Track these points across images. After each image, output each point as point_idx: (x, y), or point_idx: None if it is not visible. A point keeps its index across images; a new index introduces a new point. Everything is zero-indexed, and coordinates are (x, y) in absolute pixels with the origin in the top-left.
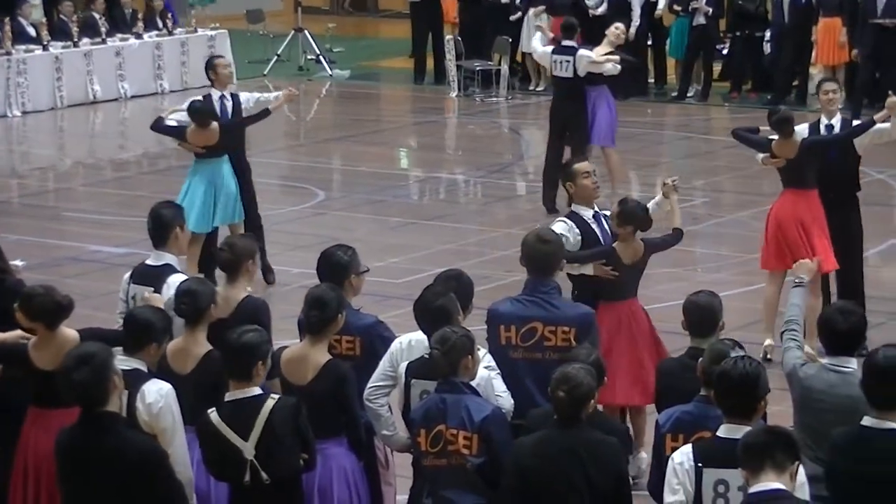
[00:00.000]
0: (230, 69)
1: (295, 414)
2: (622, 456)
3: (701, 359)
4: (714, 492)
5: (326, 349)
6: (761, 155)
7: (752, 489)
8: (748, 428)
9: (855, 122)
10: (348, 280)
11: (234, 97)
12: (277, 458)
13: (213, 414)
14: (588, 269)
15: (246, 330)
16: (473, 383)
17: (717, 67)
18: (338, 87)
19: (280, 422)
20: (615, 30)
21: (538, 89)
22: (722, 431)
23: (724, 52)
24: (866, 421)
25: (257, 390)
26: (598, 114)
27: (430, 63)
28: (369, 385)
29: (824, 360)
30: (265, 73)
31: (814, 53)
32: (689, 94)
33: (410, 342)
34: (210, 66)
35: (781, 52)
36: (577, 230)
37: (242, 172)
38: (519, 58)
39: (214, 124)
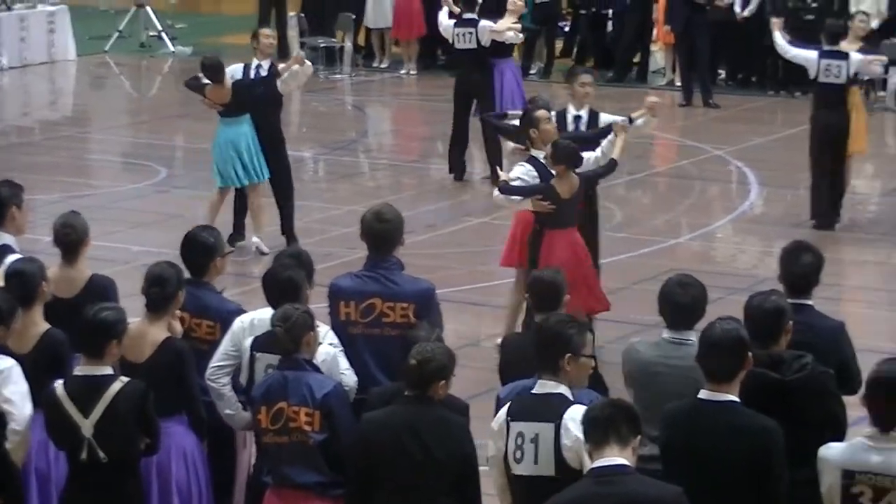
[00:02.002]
0: (271, 40)
1: (142, 400)
2: (468, 435)
3: None
4: (514, 444)
5: (166, 327)
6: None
7: (596, 463)
8: (556, 383)
9: (604, 118)
10: (214, 262)
11: (271, 67)
12: (116, 439)
13: (59, 387)
14: (527, 204)
15: (103, 307)
16: (319, 360)
17: (559, 44)
18: (180, 64)
19: (124, 405)
20: (518, 0)
21: (382, 66)
22: (535, 388)
23: (567, 28)
24: (702, 394)
25: (108, 370)
26: (504, 84)
27: None
28: (211, 365)
29: (664, 334)
30: (106, 49)
31: (655, 31)
32: (531, 72)
33: (252, 321)
34: (253, 34)
35: (623, 30)
36: (535, 172)
37: (269, 137)
38: (363, 35)
39: (228, 82)
